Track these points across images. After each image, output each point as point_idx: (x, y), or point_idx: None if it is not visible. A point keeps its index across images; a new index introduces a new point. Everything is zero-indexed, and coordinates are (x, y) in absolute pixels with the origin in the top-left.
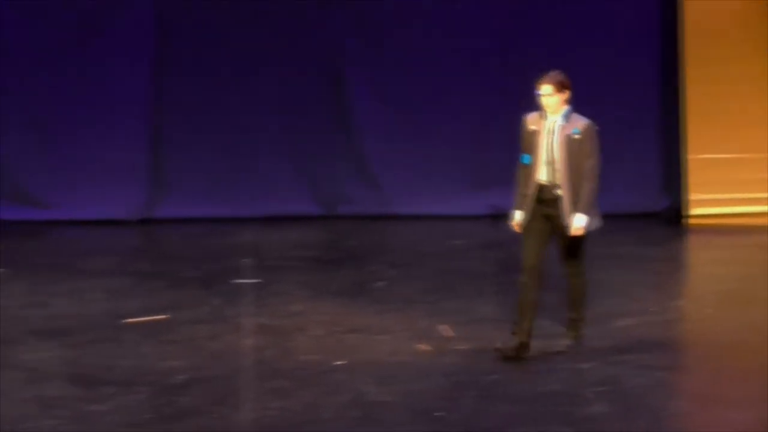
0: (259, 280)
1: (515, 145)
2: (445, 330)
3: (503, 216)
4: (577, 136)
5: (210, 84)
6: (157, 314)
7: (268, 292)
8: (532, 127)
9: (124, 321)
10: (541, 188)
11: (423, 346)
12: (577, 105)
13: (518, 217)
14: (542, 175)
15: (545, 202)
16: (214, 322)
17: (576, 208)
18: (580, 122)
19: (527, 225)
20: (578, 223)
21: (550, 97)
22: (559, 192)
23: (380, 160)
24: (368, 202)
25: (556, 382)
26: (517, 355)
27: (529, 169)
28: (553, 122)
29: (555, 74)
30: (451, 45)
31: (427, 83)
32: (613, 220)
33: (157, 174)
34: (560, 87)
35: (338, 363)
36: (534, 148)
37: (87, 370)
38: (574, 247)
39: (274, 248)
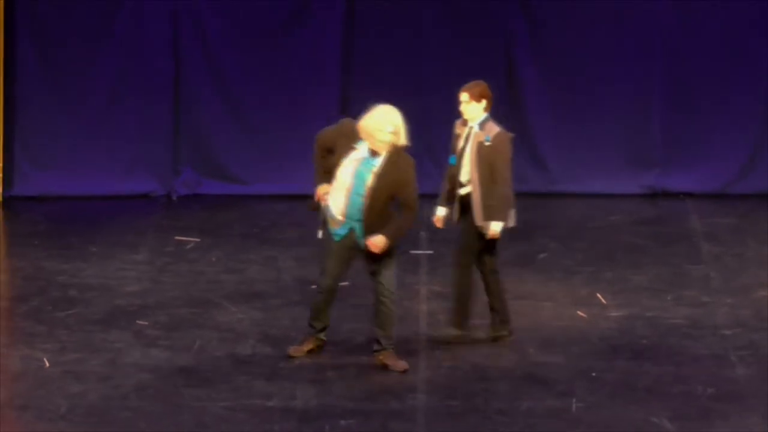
0: (433, 251)
1: (675, 126)
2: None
3: (659, 195)
4: (488, 143)
5: (392, 68)
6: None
7: (441, 263)
8: (457, 131)
9: (311, 287)
10: (462, 188)
11: (581, 313)
12: None
13: (440, 212)
14: (464, 177)
15: (467, 202)
16: None
17: (489, 213)
18: (494, 130)
19: (460, 223)
20: (495, 228)
21: (467, 104)
22: (463, 192)
23: (546, 140)
24: (535, 181)
25: (701, 346)
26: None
27: (454, 170)
28: (470, 129)
29: (475, 84)
30: (616, 26)
31: (589, 69)
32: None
33: None
34: (477, 96)
35: None
36: (458, 151)
37: (277, 331)
38: (466, 242)
39: (447, 222)
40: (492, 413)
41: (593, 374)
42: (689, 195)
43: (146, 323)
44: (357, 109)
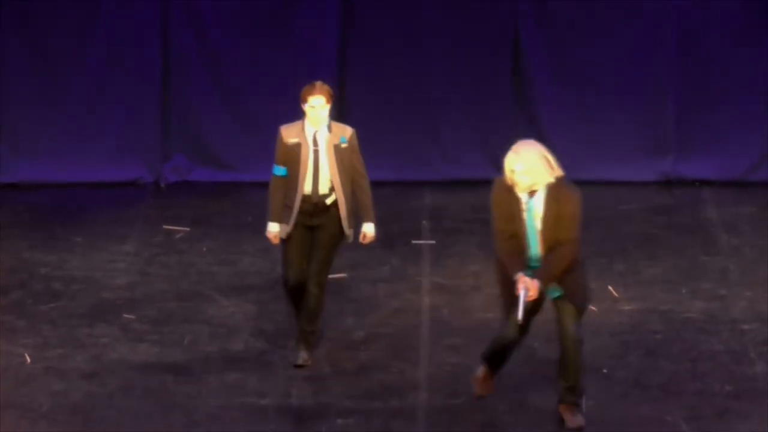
0: (437, 242)
1: (691, 110)
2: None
3: (673, 183)
4: (344, 145)
5: (392, 54)
6: (339, 273)
7: (445, 253)
8: (292, 139)
9: None
10: (305, 199)
11: (592, 307)
12: None
13: (275, 228)
14: (308, 186)
15: (309, 213)
16: (393, 281)
17: (365, 217)
18: (345, 131)
19: (291, 235)
20: (371, 230)
21: (322, 108)
22: (329, 201)
23: (553, 124)
24: None
25: (718, 342)
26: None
27: (289, 181)
28: (315, 133)
29: (322, 84)
30: (630, 8)
31: (602, 51)
32: None
33: None
34: (330, 98)
35: None
36: (296, 160)
37: (270, 325)
38: (328, 257)
39: (452, 211)
40: (498, 412)
41: (604, 371)
42: (706, 182)
43: (133, 317)
44: (353, 92)
